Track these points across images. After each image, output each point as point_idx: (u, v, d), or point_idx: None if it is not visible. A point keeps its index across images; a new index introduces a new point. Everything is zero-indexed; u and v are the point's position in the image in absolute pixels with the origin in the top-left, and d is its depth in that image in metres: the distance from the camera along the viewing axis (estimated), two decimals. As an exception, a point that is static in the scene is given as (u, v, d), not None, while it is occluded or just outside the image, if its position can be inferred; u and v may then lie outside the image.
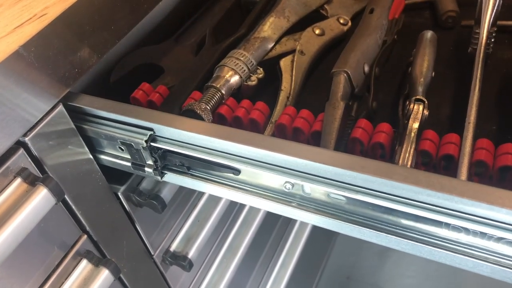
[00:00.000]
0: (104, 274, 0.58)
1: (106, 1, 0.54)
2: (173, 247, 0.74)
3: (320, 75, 0.65)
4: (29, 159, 0.50)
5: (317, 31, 0.65)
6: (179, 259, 0.73)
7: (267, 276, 1.10)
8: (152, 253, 0.71)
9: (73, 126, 0.53)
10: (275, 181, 0.48)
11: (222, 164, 0.49)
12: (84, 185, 0.57)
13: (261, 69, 0.61)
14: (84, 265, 0.58)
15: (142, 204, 0.64)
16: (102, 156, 0.58)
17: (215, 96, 0.56)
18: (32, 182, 0.49)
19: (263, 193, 0.49)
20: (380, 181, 0.41)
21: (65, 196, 0.53)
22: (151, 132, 0.50)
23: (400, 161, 0.46)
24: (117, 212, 0.63)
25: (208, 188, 0.52)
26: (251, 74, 0.60)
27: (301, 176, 0.46)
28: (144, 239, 0.69)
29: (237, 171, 0.49)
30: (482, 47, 0.55)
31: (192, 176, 0.52)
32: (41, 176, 0.50)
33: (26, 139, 0.48)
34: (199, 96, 0.59)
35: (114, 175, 0.60)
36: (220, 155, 0.49)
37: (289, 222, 1.17)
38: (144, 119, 0.50)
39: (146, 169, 0.53)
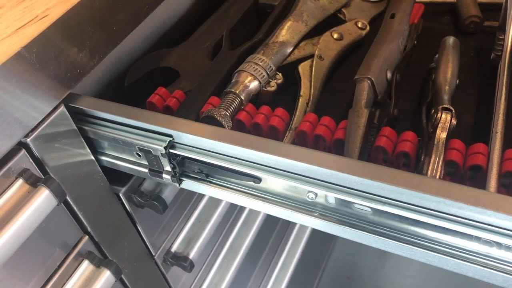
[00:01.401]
0: (106, 275, 0.58)
1: (107, 3, 0.54)
2: (174, 248, 0.74)
3: (338, 80, 0.64)
4: (31, 160, 0.49)
5: (335, 36, 0.64)
6: (180, 260, 0.72)
7: (268, 276, 1.10)
8: (153, 254, 0.71)
9: (75, 128, 0.53)
10: (297, 190, 0.47)
11: (243, 172, 0.48)
12: (85, 186, 0.56)
13: (280, 74, 0.60)
14: (86, 266, 0.58)
15: (144, 205, 0.63)
16: (105, 158, 0.57)
17: (234, 102, 0.55)
18: (33, 183, 0.48)
19: (284, 202, 0.48)
20: (410, 192, 0.41)
21: (67, 197, 0.53)
22: (170, 139, 0.49)
23: (429, 173, 0.46)
24: (118, 213, 0.62)
25: (227, 196, 0.51)
26: (270, 80, 0.59)
27: (326, 186, 0.45)
28: (145, 239, 0.68)
29: (258, 180, 0.48)
30: (507, 54, 0.54)
31: (211, 183, 0.51)
32: (43, 177, 0.50)
33: (28, 140, 0.48)
34: (217, 101, 0.58)
35: (115, 176, 0.60)
36: (240, 163, 0.48)
37: (289, 223, 1.17)
38: (163, 126, 0.49)
39: (164, 175, 0.52)
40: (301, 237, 1.16)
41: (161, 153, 0.49)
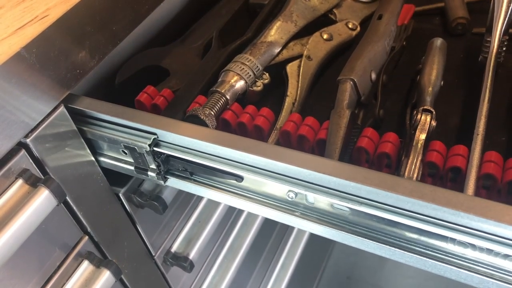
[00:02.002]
0: (106, 275, 0.58)
1: (107, 3, 0.54)
2: (174, 248, 0.74)
3: (327, 81, 0.64)
4: (31, 161, 0.49)
5: (325, 36, 0.64)
6: (180, 260, 0.73)
7: (268, 276, 1.10)
8: (153, 254, 0.71)
9: (75, 128, 0.53)
10: (278, 189, 0.47)
11: (225, 171, 0.48)
12: (85, 186, 0.56)
13: (267, 74, 0.60)
14: (85, 266, 0.58)
15: (143, 205, 0.63)
16: (103, 159, 0.57)
17: (220, 101, 0.55)
18: (33, 183, 0.48)
19: (266, 201, 0.49)
20: (385, 193, 0.41)
21: (67, 197, 0.53)
22: (155, 137, 0.50)
23: (406, 173, 0.46)
24: (118, 213, 0.63)
25: (210, 194, 0.51)
26: (256, 80, 0.59)
27: (305, 185, 0.45)
28: (145, 240, 0.68)
29: (240, 178, 0.48)
30: (493, 56, 0.53)
31: (195, 181, 0.52)
32: (43, 177, 0.50)
33: (28, 140, 0.48)
34: (204, 100, 0.58)
35: (115, 176, 0.60)
36: (223, 162, 0.48)
37: None
38: (147, 124, 0.50)
39: (149, 173, 0.53)
40: (301, 237, 1.15)
41: (145, 151, 0.50)
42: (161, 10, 0.70)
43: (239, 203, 0.50)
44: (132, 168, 0.54)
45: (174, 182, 0.53)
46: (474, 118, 0.49)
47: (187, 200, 0.75)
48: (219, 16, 0.74)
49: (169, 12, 0.76)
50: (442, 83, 0.54)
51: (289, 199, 0.47)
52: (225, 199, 0.51)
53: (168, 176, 0.53)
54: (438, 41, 0.57)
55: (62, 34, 0.49)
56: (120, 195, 0.61)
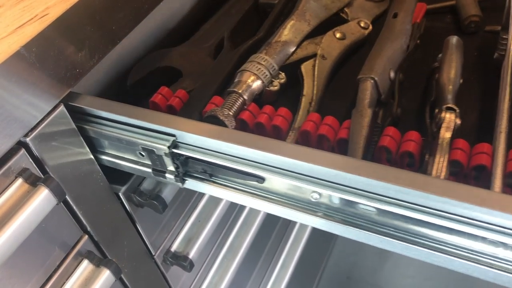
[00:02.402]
0: (105, 274, 0.58)
1: (107, 2, 0.54)
2: (174, 248, 0.74)
3: (341, 79, 0.63)
4: (30, 160, 0.49)
5: (338, 35, 0.64)
6: (180, 260, 0.72)
7: (268, 276, 1.10)
8: (153, 253, 0.71)
9: (74, 127, 0.53)
10: (301, 190, 0.47)
11: (247, 172, 0.48)
12: (85, 186, 0.56)
13: (283, 74, 0.60)
14: (85, 266, 0.58)
15: (143, 204, 0.63)
16: (104, 157, 0.57)
17: (237, 102, 0.55)
18: (33, 182, 0.48)
19: (288, 202, 0.48)
20: (415, 193, 0.40)
21: (66, 196, 0.53)
22: (174, 138, 0.49)
23: (434, 173, 0.45)
24: (118, 213, 0.62)
25: (230, 196, 0.51)
26: (273, 79, 0.59)
27: (330, 186, 0.44)
28: (145, 239, 0.68)
29: (261, 179, 0.48)
30: (511, 53, 0.53)
31: (214, 183, 0.51)
32: (42, 176, 0.50)
33: (27, 139, 0.48)
34: (219, 101, 0.58)
35: (115, 175, 0.59)
36: (244, 163, 0.47)
37: (289, 223, 1.17)
38: (166, 125, 0.49)
39: (167, 175, 0.52)
40: (301, 237, 1.16)
41: (164, 153, 0.49)
42: (171, 10, 0.71)
43: (260, 204, 0.49)
44: (150, 170, 0.53)
45: (192, 184, 0.52)
46: (492, 116, 0.50)
47: (187, 200, 0.75)
48: (228, 16, 0.74)
49: (178, 13, 0.76)
50: (461, 81, 0.54)
51: (313, 200, 0.46)
52: (246, 201, 0.50)
53: (186, 178, 0.52)
54: (454, 39, 0.57)
55: (61, 33, 0.49)
56: (120, 194, 0.61)
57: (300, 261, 1.15)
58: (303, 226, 1.17)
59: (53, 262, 0.55)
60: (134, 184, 0.62)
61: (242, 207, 0.91)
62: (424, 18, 0.68)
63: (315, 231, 1.20)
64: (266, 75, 0.57)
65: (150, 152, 0.50)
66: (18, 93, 0.46)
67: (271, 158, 0.45)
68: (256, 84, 0.57)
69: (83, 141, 0.54)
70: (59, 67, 0.49)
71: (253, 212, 0.92)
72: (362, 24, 0.67)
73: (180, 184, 0.52)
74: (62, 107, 0.51)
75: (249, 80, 0.56)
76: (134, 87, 0.64)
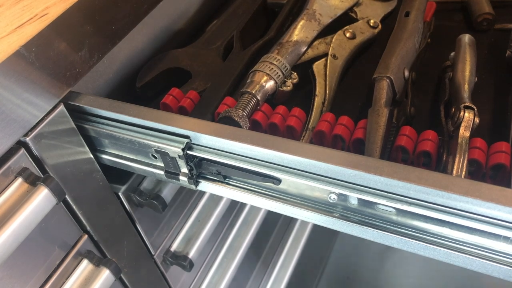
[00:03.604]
0: (105, 274, 0.58)
1: (106, 1, 0.54)
2: (173, 247, 0.73)
3: (351, 79, 0.63)
4: (30, 159, 0.49)
5: (348, 34, 0.63)
6: (180, 259, 0.72)
7: (268, 276, 1.10)
8: (153, 253, 0.70)
9: (74, 126, 0.53)
10: (318, 191, 0.46)
11: (262, 174, 0.47)
12: (84, 185, 0.56)
13: (296, 73, 0.59)
14: (85, 265, 0.58)
15: (143, 204, 0.62)
16: (105, 156, 0.56)
17: (251, 102, 0.54)
18: (33, 182, 0.48)
19: (304, 203, 0.48)
20: (437, 193, 0.40)
21: (66, 196, 0.52)
22: (188, 140, 0.48)
23: (455, 172, 0.45)
24: (117, 212, 0.62)
25: (245, 198, 0.50)
26: (285, 79, 0.58)
27: (348, 186, 0.44)
28: (145, 239, 0.68)
29: (277, 181, 0.47)
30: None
31: (228, 185, 0.50)
32: (42, 176, 0.50)
33: (27, 139, 0.48)
34: (231, 101, 0.57)
35: (114, 175, 0.59)
36: (260, 164, 0.47)
37: (289, 222, 1.17)
38: (180, 127, 0.48)
39: (181, 177, 0.51)
40: (300, 237, 1.16)
41: (178, 155, 0.48)
42: (177, 11, 0.71)
43: (276, 206, 0.49)
44: (162, 173, 0.52)
45: (206, 186, 0.52)
46: (506, 114, 0.50)
47: (187, 199, 0.74)
48: (236, 16, 0.73)
49: (185, 14, 0.75)
50: (476, 79, 0.54)
51: (331, 201, 0.46)
52: (261, 203, 0.49)
53: (200, 180, 0.51)
54: (466, 37, 0.57)
55: (61, 33, 0.49)
56: (120, 194, 0.60)
57: (300, 261, 1.15)
58: (303, 226, 1.17)
59: (52, 262, 0.55)
60: (133, 184, 0.61)
61: (242, 207, 0.91)
62: (433, 16, 0.68)
63: (315, 231, 1.20)
64: (279, 75, 0.57)
65: (163, 155, 0.49)
66: (18, 93, 0.45)
67: (288, 159, 0.44)
68: (269, 84, 0.56)
69: (83, 140, 0.54)
70: (59, 67, 0.49)
71: (253, 211, 0.92)
72: (371, 23, 0.66)
73: (193, 186, 0.51)
74: (62, 107, 0.51)
75: (262, 81, 0.56)
76: (143, 88, 0.64)
